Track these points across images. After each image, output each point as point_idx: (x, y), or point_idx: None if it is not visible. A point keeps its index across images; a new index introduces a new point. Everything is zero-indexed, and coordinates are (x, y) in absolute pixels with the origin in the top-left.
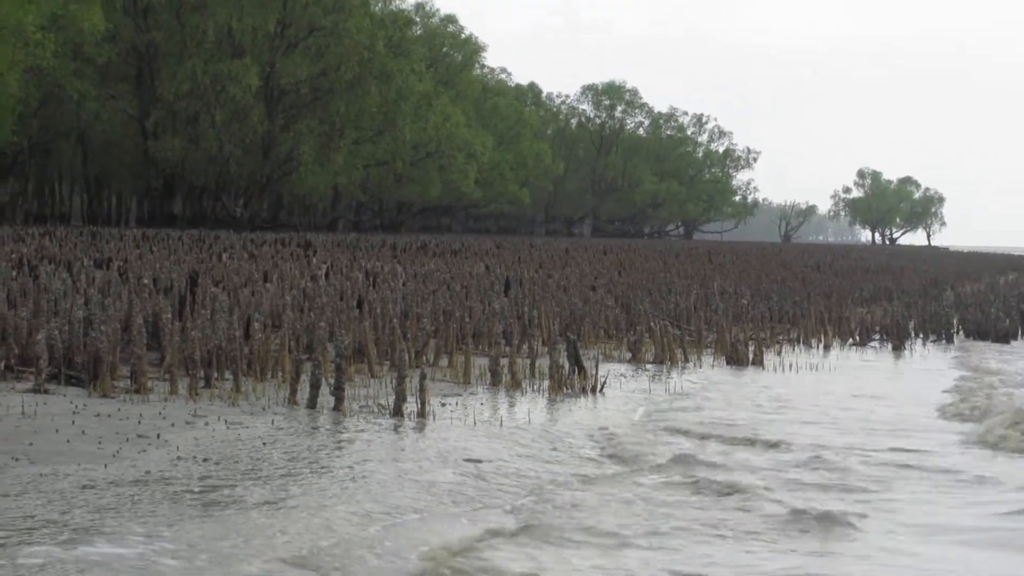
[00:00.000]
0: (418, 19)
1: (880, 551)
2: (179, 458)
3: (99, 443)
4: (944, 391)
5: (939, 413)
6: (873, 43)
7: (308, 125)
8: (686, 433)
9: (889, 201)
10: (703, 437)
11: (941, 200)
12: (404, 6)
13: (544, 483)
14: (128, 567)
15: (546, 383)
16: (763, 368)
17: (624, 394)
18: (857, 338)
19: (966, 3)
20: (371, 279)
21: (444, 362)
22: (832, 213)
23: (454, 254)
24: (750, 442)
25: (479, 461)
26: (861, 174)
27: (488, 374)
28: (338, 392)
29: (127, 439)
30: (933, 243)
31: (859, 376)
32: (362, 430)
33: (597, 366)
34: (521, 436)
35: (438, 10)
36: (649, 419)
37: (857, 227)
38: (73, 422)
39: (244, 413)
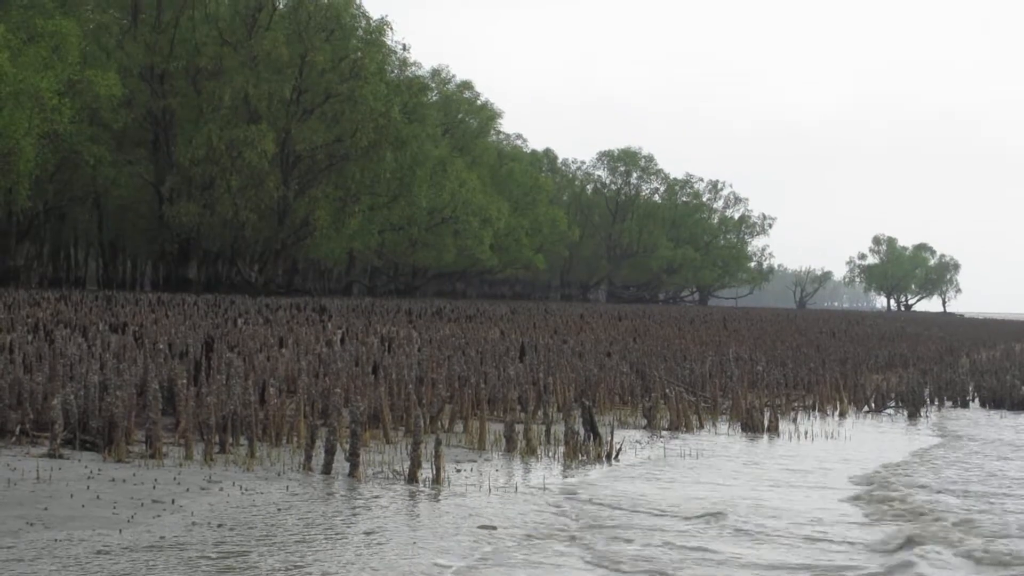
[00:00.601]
0: (434, 85)
1: None
2: (194, 524)
3: (114, 508)
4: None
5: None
6: (889, 111)
7: (323, 190)
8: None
9: (904, 267)
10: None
11: (956, 267)
12: (420, 72)
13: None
14: None
15: (561, 449)
16: (778, 435)
17: (639, 460)
18: (872, 405)
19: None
20: (386, 344)
21: (459, 428)
22: (847, 279)
23: (469, 319)
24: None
25: (493, 528)
26: (876, 240)
27: (503, 440)
28: (353, 458)
29: (142, 504)
30: (948, 309)
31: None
32: (377, 496)
33: (612, 432)
34: (536, 502)
35: (454, 76)
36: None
37: (872, 293)
38: (88, 487)
39: (259, 479)
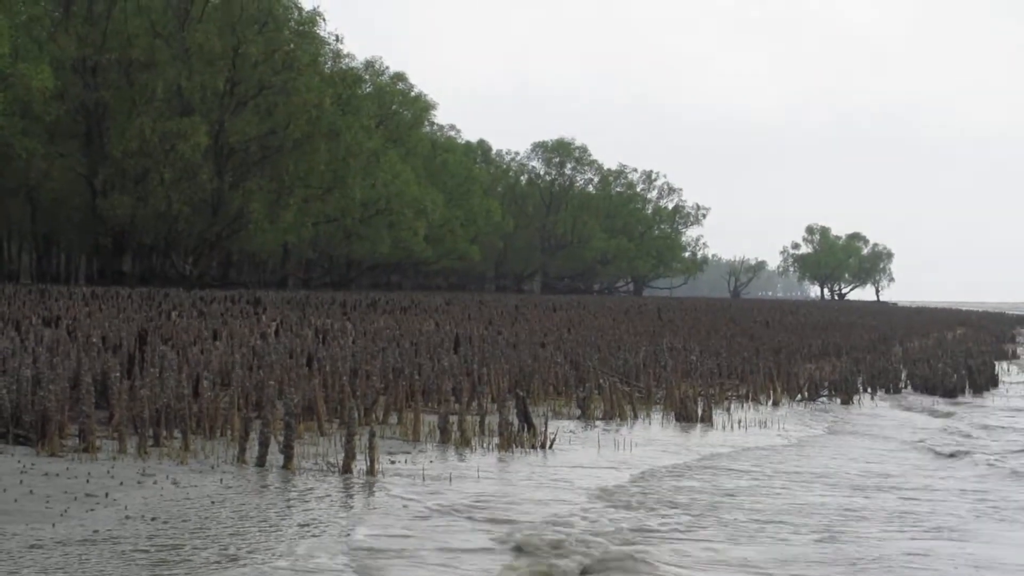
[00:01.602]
0: (367, 77)
1: None
2: (128, 517)
3: (47, 502)
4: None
5: None
6: (822, 102)
7: (257, 183)
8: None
9: (838, 257)
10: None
11: (889, 256)
12: (354, 64)
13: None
14: None
15: (496, 440)
16: (711, 425)
17: (573, 451)
18: (806, 393)
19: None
20: (321, 337)
21: (394, 419)
22: (781, 269)
23: (404, 311)
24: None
25: (427, 518)
26: (810, 230)
27: (437, 431)
28: (287, 450)
29: (75, 498)
30: (881, 299)
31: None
32: (311, 488)
33: (547, 423)
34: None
35: (387, 67)
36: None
37: (806, 283)
38: (21, 481)
39: (193, 472)
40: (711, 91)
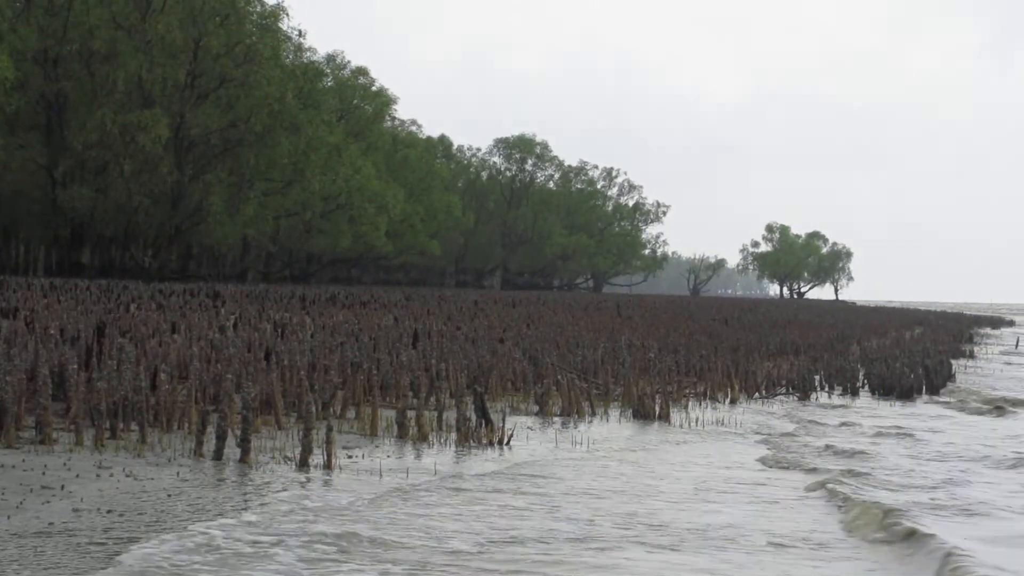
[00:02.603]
0: (329, 71)
1: None
2: (84, 509)
3: (2, 494)
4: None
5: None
6: (783, 100)
7: (218, 176)
8: None
9: (797, 255)
10: None
11: (848, 255)
12: (315, 58)
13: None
14: None
15: (453, 435)
16: (669, 422)
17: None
18: (764, 392)
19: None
20: (279, 330)
21: (352, 414)
22: (741, 267)
23: (363, 306)
24: None
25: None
26: (770, 228)
27: (395, 426)
28: (244, 444)
29: (31, 490)
30: (840, 297)
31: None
32: (268, 482)
33: (504, 419)
34: (425, 486)
35: (349, 62)
36: None
37: (765, 281)
38: None
39: (149, 464)
40: (672, 87)
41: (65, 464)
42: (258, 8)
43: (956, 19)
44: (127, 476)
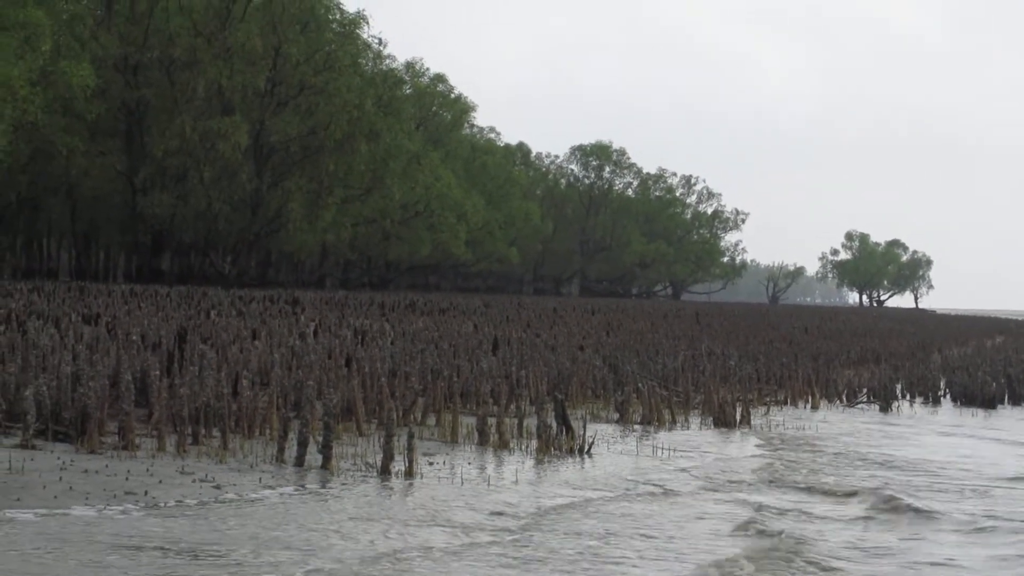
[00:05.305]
0: (408, 78)
1: None
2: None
3: (86, 499)
4: None
5: None
6: (863, 106)
7: (297, 183)
8: None
9: (877, 263)
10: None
11: (929, 263)
12: (395, 65)
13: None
14: None
15: (534, 443)
16: (751, 429)
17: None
18: (844, 399)
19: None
20: (359, 337)
21: (432, 421)
22: (820, 275)
23: (442, 312)
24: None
25: (465, 522)
26: (849, 236)
27: (476, 433)
28: (326, 450)
29: (114, 495)
30: (920, 306)
31: None
32: (349, 488)
33: (585, 426)
34: (510, 497)
35: (428, 69)
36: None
37: (844, 289)
38: (60, 478)
39: (231, 470)
40: (751, 94)
41: (148, 470)
42: (338, 16)
43: None
44: (208, 482)
